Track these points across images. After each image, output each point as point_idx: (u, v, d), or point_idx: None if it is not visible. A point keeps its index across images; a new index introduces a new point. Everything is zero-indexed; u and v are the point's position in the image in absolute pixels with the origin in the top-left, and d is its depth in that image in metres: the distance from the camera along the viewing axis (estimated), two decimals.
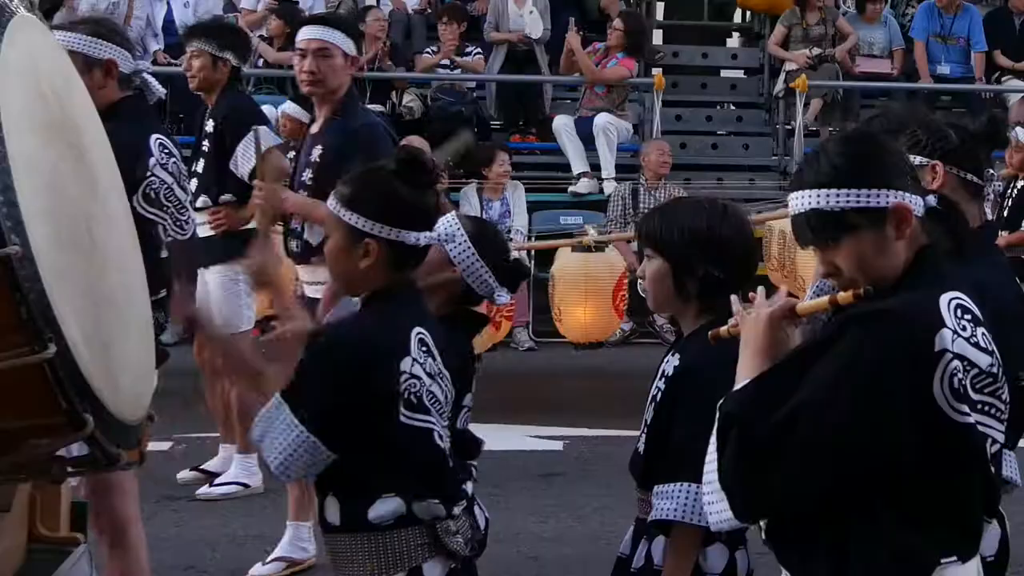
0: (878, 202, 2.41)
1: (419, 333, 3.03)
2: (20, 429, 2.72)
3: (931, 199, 2.49)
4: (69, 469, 2.92)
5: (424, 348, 3.03)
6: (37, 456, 2.82)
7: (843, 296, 2.44)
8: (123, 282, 3.07)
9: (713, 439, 2.39)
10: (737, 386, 2.44)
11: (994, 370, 2.40)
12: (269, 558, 5.58)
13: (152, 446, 6.26)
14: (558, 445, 7.85)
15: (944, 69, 13.00)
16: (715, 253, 3.07)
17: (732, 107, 14.33)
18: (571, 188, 11.86)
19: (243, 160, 6.44)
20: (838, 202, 2.42)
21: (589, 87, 12.18)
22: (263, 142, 5.90)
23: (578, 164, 11.90)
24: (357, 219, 3.07)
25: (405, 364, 2.98)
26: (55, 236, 2.77)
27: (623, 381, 9.07)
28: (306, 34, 5.51)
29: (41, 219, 2.72)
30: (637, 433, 3.12)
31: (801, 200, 2.46)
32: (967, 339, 2.36)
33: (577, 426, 8.19)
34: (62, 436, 2.75)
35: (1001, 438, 2.45)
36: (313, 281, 5.35)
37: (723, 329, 2.69)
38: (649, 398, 3.12)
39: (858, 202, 2.41)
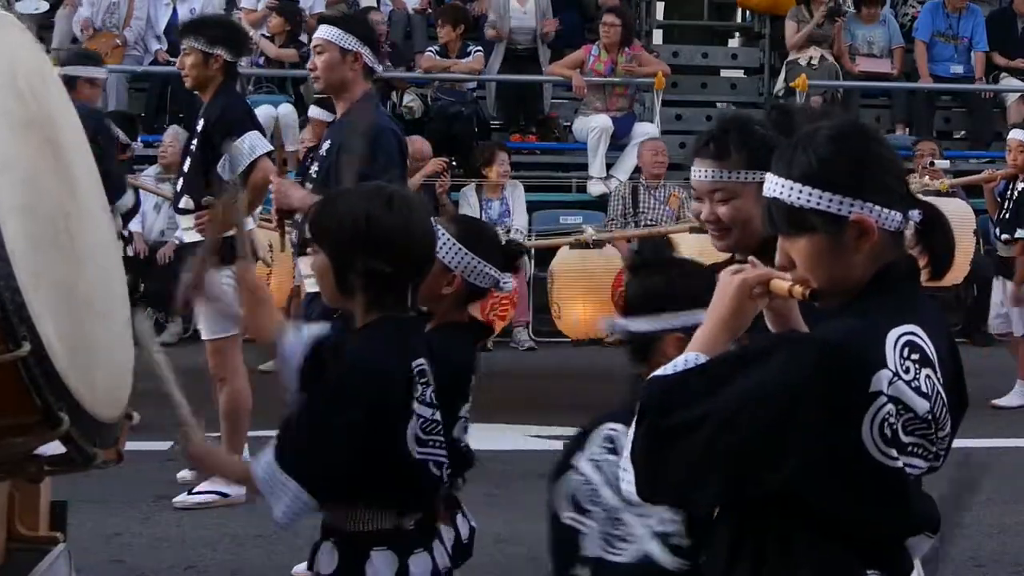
0: (839, 210, 2.31)
1: None
2: None
3: (914, 214, 2.36)
4: (46, 468, 2.90)
5: None
6: (13, 455, 2.80)
7: (797, 289, 2.32)
8: (101, 280, 3.04)
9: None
10: (669, 366, 2.32)
11: (931, 416, 2.25)
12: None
13: (152, 446, 6.25)
14: (558, 445, 7.78)
15: (958, 68, 12.97)
16: (374, 246, 2.86)
17: (732, 107, 14.28)
18: (589, 189, 11.87)
19: (233, 164, 6.36)
20: (799, 199, 2.33)
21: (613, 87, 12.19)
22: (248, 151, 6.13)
23: (596, 167, 11.88)
24: None
25: None
26: (31, 233, 2.74)
27: (623, 381, 9.03)
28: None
29: (17, 216, 2.69)
30: None
31: (769, 185, 2.38)
32: (908, 382, 2.23)
33: (577, 426, 8.12)
34: (38, 435, 2.72)
35: (924, 467, 2.29)
36: (312, 274, 5.33)
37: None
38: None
39: (818, 204, 2.31)
